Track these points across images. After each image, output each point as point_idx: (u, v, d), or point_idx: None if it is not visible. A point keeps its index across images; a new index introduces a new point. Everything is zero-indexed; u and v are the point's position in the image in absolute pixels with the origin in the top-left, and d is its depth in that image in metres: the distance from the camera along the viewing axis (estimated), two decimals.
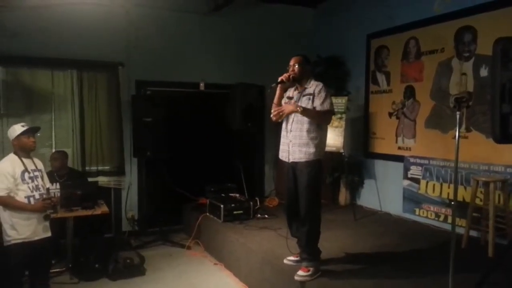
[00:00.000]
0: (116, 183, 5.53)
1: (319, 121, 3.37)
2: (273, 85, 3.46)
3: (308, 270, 3.29)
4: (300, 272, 3.29)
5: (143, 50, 5.54)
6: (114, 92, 5.39)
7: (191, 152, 5.91)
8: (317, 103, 3.32)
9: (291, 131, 3.41)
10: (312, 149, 3.33)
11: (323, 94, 3.33)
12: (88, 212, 4.30)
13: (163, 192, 5.70)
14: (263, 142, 6.51)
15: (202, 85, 6.00)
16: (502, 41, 2.42)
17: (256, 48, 6.28)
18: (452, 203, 2.62)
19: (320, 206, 3.49)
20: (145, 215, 5.70)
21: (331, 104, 3.39)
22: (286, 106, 3.37)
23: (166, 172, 5.59)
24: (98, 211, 4.36)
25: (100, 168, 5.40)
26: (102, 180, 5.40)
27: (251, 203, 5.22)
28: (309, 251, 3.38)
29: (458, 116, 2.48)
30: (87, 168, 5.30)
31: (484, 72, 4.25)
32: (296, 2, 6.50)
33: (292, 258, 3.61)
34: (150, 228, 5.64)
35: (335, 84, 6.03)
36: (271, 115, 3.40)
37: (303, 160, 3.35)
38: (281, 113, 3.34)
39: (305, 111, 3.28)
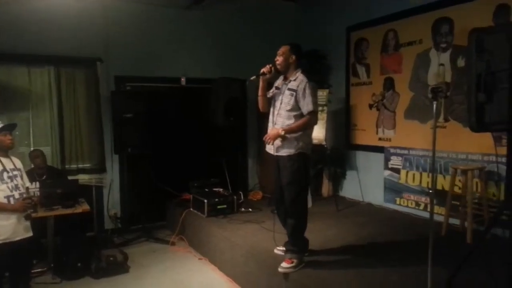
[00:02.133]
0: (97, 181, 5.45)
1: (305, 129, 3.34)
2: (252, 77, 3.45)
3: (292, 262, 3.31)
4: (284, 264, 3.31)
5: (122, 45, 5.46)
6: (93, 88, 5.30)
7: (173, 147, 5.86)
8: (301, 104, 3.29)
9: (275, 123, 3.41)
10: (294, 143, 3.31)
11: (307, 92, 3.26)
12: (69, 211, 4.24)
13: (146, 189, 5.66)
14: (246, 136, 6.51)
15: (183, 80, 5.95)
16: (477, 32, 2.46)
17: (238, 42, 6.25)
18: (430, 191, 2.66)
19: (305, 199, 3.49)
20: (127, 212, 5.64)
21: (315, 103, 3.31)
22: (270, 133, 3.32)
23: (150, 168, 5.54)
24: (79, 209, 4.30)
25: (80, 166, 5.31)
26: (82, 178, 5.31)
27: (235, 197, 5.22)
28: (294, 243, 3.40)
29: (435, 106, 2.52)
30: (67, 166, 5.20)
31: (461, 62, 4.33)
32: None
33: (281, 248, 3.62)
34: (133, 225, 5.59)
35: (317, 77, 6.05)
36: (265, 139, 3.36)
37: (285, 154, 3.35)
38: (268, 141, 3.32)
39: (288, 132, 3.26)
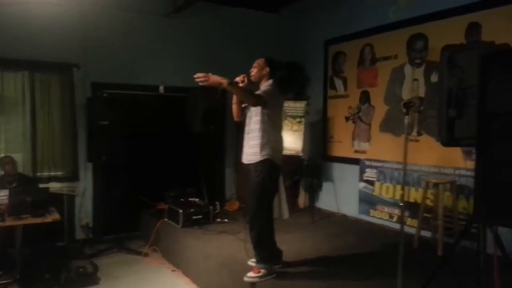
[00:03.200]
0: (70, 189, 5.32)
1: (245, 100, 3.31)
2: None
3: (258, 272, 3.30)
4: (250, 274, 3.31)
5: (99, 52, 5.38)
6: (68, 94, 5.20)
7: (150, 156, 5.78)
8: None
9: (248, 132, 3.43)
10: (258, 150, 3.30)
11: (265, 89, 3.33)
12: (38, 220, 4.11)
13: (120, 198, 5.54)
14: (224, 145, 6.48)
15: (161, 88, 5.89)
16: (449, 48, 2.54)
17: (218, 51, 6.24)
18: (401, 204, 2.70)
19: (269, 209, 3.46)
20: (100, 222, 5.51)
21: (266, 94, 3.27)
22: (213, 76, 3.14)
23: (125, 177, 5.45)
24: (48, 218, 4.17)
25: (52, 173, 5.18)
26: (54, 186, 5.17)
27: (211, 207, 5.17)
28: (259, 253, 3.39)
29: (406, 121, 2.57)
30: (38, 174, 5.07)
31: (434, 78, 4.44)
32: (258, 7, 6.54)
33: (254, 259, 3.59)
34: (105, 235, 5.46)
35: (295, 88, 6.12)
36: (197, 78, 3.19)
37: (251, 162, 3.36)
38: (205, 80, 3.14)
39: (232, 85, 3.13)
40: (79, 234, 5.41)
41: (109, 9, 5.40)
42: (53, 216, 4.25)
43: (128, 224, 5.64)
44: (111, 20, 5.45)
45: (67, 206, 5.29)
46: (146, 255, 4.99)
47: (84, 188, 5.41)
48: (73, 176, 5.31)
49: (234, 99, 3.55)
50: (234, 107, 3.59)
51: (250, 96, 3.26)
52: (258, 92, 3.33)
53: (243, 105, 3.57)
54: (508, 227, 2.39)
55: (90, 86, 5.38)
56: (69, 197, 5.33)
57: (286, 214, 4.17)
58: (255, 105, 3.31)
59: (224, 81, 3.10)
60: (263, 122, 3.32)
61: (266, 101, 3.27)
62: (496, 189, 2.11)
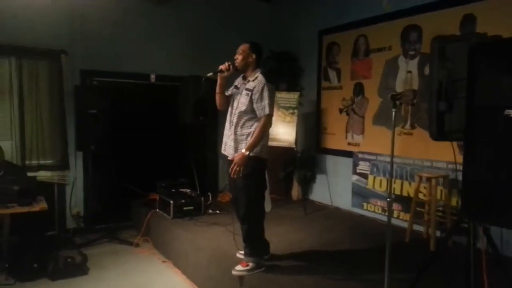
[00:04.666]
0: (60, 178, 5.25)
1: (264, 135, 3.25)
2: (209, 74, 3.38)
3: (247, 265, 3.28)
4: (238, 267, 3.28)
5: (89, 38, 5.27)
6: (57, 81, 5.09)
7: (141, 146, 5.72)
8: (257, 106, 3.21)
9: (232, 123, 3.34)
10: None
11: (264, 94, 3.18)
12: (25, 209, 4.05)
13: (111, 187, 5.49)
14: (216, 135, 6.40)
15: (153, 76, 5.81)
16: (439, 39, 2.47)
17: (210, 40, 6.15)
18: (388, 199, 2.66)
19: (260, 204, 3.42)
20: (91, 212, 5.46)
21: (272, 106, 3.22)
22: (236, 161, 3.14)
23: (115, 166, 5.39)
24: (36, 208, 4.11)
25: (41, 162, 5.09)
26: (44, 175, 5.11)
27: (202, 198, 5.13)
28: (250, 246, 3.36)
29: (394, 114, 2.52)
30: (27, 162, 4.98)
31: (428, 70, 4.37)
32: None
33: (242, 252, 3.55)
34: (97, 225, 5.41)
35: (288, 79, 6.04)
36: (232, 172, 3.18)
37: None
38: (237, 169, 3.14)
39: (250, 148, 3.15)
40: (71, 223, 5.35)
41: None
42: (41, 205, 4.19)
43: (120, 214, 5.59)
44: (100, 6, 5.31)
45: (58, 195, 5.24)
46: (137, 245, 4.96)
47: (75, 177, 5.35)
48: (63, 165, 5.23)
49: (218, 88, 3.45)
50: (218, 97, 3.49)
51: (264, 127, 3.20)
52: (265, 110, 3.18)
53: (227, 93, 3.50)
54: (494, 225, 2.36)
55: (79, 74, 5.27)
56: (60, 186, 5.27)
57: (268, 207, 4.12)
58: (270, 126, 3.29)
59: (246, 153, 3.14)
60: (254, 118, 3.25)
61: (273, 113, 3.25)
62: (483, 186, 2.06)
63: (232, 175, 3.19)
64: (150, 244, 4.94)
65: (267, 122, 3.23)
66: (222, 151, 3.49)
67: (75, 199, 5.38)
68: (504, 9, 3.66)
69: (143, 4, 5.64)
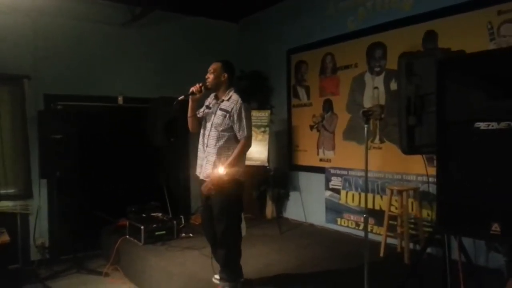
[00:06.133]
0: (23, 208, 5.00)
1: (243, 156, 3.24)
2: (181, 97, 3.28)
3: None
4: None
5: (53, 62, 5.14)
6: (19, 107, 4.91)
7: (110, 170, 5.54)
8: (236, 127, 3.18)
9: (207, 145, 3.26)
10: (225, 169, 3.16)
11: (243, 115, 3.16)
12: None
13: (78, 215, 5.25)
14: (187, 157, 6.31)
15: (120, 99, 5.69)
16: (406, 56, 2.53)
17: (179, 61, 6.12)
18: (365, 216, 2.65)
19: (237, 228, 3.35)
20: (57, 242, 5.20)
21: (250, 127, 3.22)
22: (214, 179, 3.12)
23: (82, 193, 5.19)
24: None
25: (2, 192, 4.86)
26: (6, 205, 4.86)
27: (175, 222, 4.99)
28: (227, 271, 3.27)
29: (366, 130, 2.54)
30: None
31: (394, 85, 4.48)
32: (219, 17, 6.47)
33: (218, 276, 3.45)
34: (63, 255, 5.15)
35: (259, 98, 6.06)
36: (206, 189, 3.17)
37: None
38: (211, 188, 3.12)
39: (229, 168, 3.11)
40: (35, 255, 5.08)
41: (62, 18, 5.18)
42: (2, 238, 3.97)
43: (88, 242, 5.35)
44: (64, 30, 5.23)
45: (21, 226, 4.97)
46: (106, 275, 4.73)
47: (39, 206, 5.11)
48: (26, 194, 5.01)
49: (190, 112, 3.37)
50: (190, 120, 3.41)
51: (244, 148, 3.20)
52: (244, 131, 3.16)
53: (199, 115, 3.44)
54: (469, 237, 2.39)
55: (43, 98, 5.11)
56: (23, 216, 5.01)
57: (244, 231, 4.04)
58: (250, 146, 3.27)
59: (223, 173, 3.10)
60: (230, 140, 3.20)
61: (251, 133, 3.25)
62: (458, 198, 2.08)
63: (204, 192, 3.15)
64: (121, 273, 4.74)
65: (247, 143, 3.21)
66: (197, 174, 3.39)
67: (40, 229, 5.13)
68: (462, 25, 3.81)
69: (109, 26, 5.56)
